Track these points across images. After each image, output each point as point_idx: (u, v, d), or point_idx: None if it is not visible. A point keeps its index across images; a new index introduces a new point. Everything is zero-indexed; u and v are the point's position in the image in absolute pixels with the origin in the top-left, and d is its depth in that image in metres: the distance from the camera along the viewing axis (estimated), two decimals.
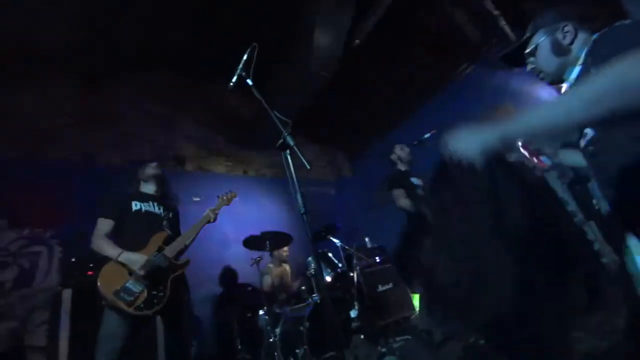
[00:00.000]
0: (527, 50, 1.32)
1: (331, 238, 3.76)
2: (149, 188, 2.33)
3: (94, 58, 3.88)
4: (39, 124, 3.66)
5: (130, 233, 2.08)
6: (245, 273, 3.80)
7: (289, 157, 1.29)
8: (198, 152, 4.71)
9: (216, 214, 2.36)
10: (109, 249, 1.93)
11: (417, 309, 2.75)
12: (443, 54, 4.70)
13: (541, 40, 1.26)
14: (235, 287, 3.87)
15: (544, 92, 4.00)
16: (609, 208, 1.12)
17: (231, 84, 1.64)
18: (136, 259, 1.89)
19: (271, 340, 2.67)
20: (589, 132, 1.11)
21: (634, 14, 3.09)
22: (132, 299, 1.79)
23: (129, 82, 4.34)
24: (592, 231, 1.73)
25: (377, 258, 3.90)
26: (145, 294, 1.85)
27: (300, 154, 1.25)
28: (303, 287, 3.12)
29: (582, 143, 1.16)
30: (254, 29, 4.04)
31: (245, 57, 1.55)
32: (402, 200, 2.91)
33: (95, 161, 3.90)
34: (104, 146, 4.01)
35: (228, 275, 3.96)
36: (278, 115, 1.35)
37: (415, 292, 3.62)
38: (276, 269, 3.74)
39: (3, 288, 2.93)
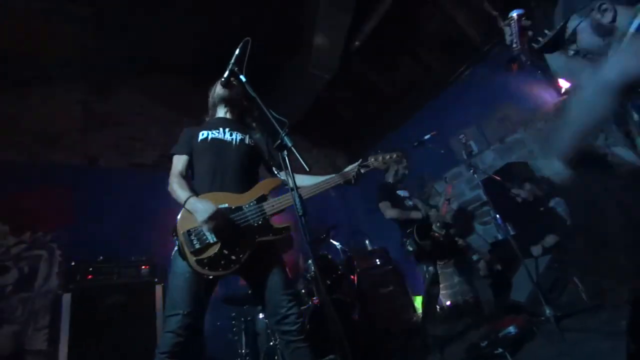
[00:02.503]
0: (566, 37, 1.28)
1: (331, 240, 3.75)
2: (221, 111, 1.94)
3: (102, 64, 3.91)
4: (44, 128, 3.69)
5: (199, 169, 1.72)
6: None
7: (286, 158, 1.28)
8: None
9: (359, 174, 1.83)
10: (179, 192, 1.56)
11: (419, 311, 2.73)
12: (443, 55, 4.71)
13: (578, 25, 1.23)
14: (235, 289, 3.85)
15: (544, 92, 4.00)
16: None
17: (223, 79, 1.63)
18: (202, 208, 1.45)
19: (271, 343, 2.65)
20: None
21: None
22: (200, 246, 1.44)
23: (136, 87, 4.38)
24: None
25: (377, 260, 3.88)
26: (217, 249, 1.46)
27: (298, 155, 1.24)
28: (303, 290, 3.10)
29: None
30: (256, 31, 4.04)
31: (237, 51, 1.50)
32: (389, 211, 2.97)
33: (98, 165, 3.91)
34: (108, 150, 4.02)
35: (228, 277, 3.94)
36: (274, 114, 1.34)
37: (416, 295, 3.61)
38: None
39: (3, 292, 2.92)
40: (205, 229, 1.45)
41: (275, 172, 1.84)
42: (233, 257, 1.48)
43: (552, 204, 3.16)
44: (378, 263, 3.85)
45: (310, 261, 3.15)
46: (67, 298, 2.60)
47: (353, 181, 1.80)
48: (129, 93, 4.35)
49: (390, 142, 5.88)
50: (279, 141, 1.28)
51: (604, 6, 1.12)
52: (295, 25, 3.85)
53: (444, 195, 3.00)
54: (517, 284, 2.97)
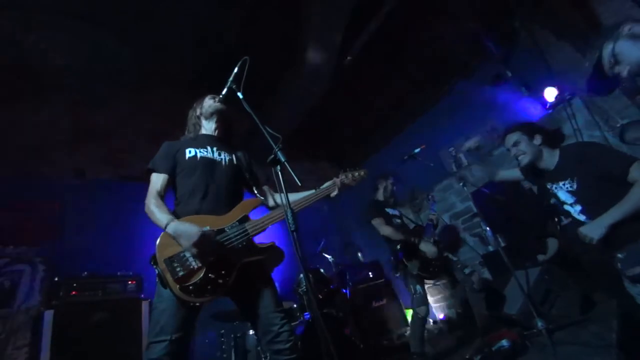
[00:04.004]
0: (609, 65, 1.48)
1: (324, 254, 3.72)
2: (208, 127, 1.86)
3: (91, 77, 3.89)
4: (31, 140, 3.62)
5: (185, 189, 1.62)
6: None
7: (279, 173, 1.28)
8: None
9: (344, 187, 1.89)
10: (159, 214, 1.46)
11: (409, 327, 2.70)
12: (433, 71, 4.83)
13: (612, 47, 1.42)
14: (224, 305, 3.77)
15: (528, 107, 4.12)
16: None
17: (221, 96, 1.67)
18: (187, 232, 1.37)
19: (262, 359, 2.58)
20: None
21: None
22: (184, 273, 1.36)
23: (126, 99, 4.35)
24: None
25: (370, 274, 3.86)
26: (202, 274, 1.38)
27: (291, 170, 1.24)
28: (295, 305, 3.05)
29: None
30: (250, 47, 4.10)
31: (235, 70, 1.55)
32: (384, 228, 2.96)
33: (86, 177, 3.84)
34: (97, 162, 3.96)
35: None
36: (269, 130, 1.35)
37: (408, 308, 3.58)
38: None
39: None
40: (189, 254, 1.39)
41: (256, 192, 1.84)
42: (220, 281, 1.41)
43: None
44: (371, 276, 3.83)
45: (301, 275, 3.12)
46: (49, 315, 2.51)
47: (332, 195, 1.85)
48: (118, 104, 4.32)
49: (382, 155, 5.95)
50: (273, 156, 1.29)
51: (630, 25, 1.35)
52: (289, 40, 3.91)
53: (429, 218, 3.07)
54: (509, 296, 2.98)
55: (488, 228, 2.87)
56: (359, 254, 5.05)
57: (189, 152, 1.69)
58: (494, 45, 4.12)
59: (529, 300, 2.46)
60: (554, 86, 3.72)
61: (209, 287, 1.39)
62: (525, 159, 1.90)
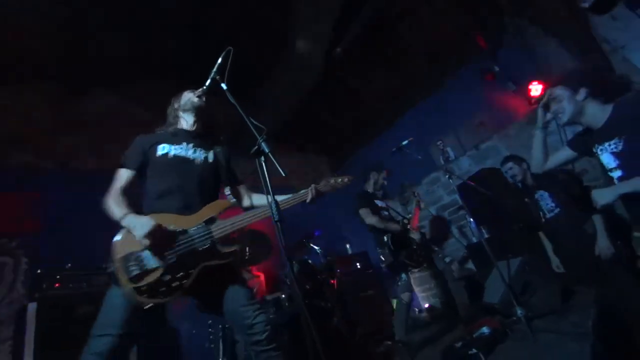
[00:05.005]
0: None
1: (312, 245, 3.75)
2: (187, 122, 1.77)
3: (76, 65, 3.77)
4: (12, 128, 3.51)
5: (155, 187, 1.55)
6: None
7: (263, 164, 1.28)
8: None
9: (319, 194, 1.78)
10: (115, 209, 1.42)
11: (394, 316, 2.76)
12: (423, 64, 4.84)
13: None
14: None
15: (516, 102, 4.18)
16: None
17: (204, 87, 1.64)
18: (140, 224, 1.33)
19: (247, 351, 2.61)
20: None
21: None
22: (139, 272, 1.30)
23: (110, 89, 4.24)
24: None
25: (357, 264, 3.91)
26: (157, 275, 1.33)
27: (275, 161, 1.24)
28: (283, 296, 3.08)
29: None
30: (239, 38, 4.04)
31: (219, 60, 1.52)
32: (369, 218, 2.99)
33: (68, 167, 3.75)
34: (80, 152, 3.87)
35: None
36: (253, 121, 1.34)
37: (395, 298, 3.65)
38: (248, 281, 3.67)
39: None
40: (145, 253, 1.34)
41: (228, 193, 1.80)
42: (174, 284, 1.35)
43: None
44: (358, 267, 3.88)
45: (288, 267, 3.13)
46: (32, 308, 2.46)
47: (308, 201, 1.75)
48: (103, 93, 4.21)
49: (371, 148, 5.97)
50: (256, 147, 1.28)
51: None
52: (278, 32, 3.86)
53: (413, 213, 3.10)
54: (491, 286, 3.07)
55: (472, 220, 2.94)
56: (347, 245, 5.10)
57: (162, 149, 1.61)
58: (482, 40, 4.16)
59: (510, 289, 2.55)
60: (539, 81, 3.78)
61: (162, 289, 1.33)
62: (563, 117, 1.63)
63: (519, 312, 2.36)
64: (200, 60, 3.97)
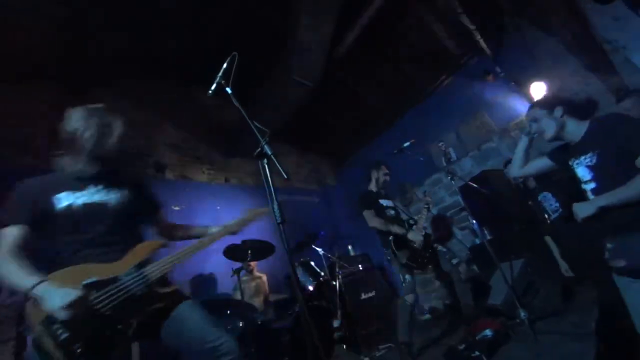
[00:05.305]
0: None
1: (314, 246, 3.75)
2: (90, 157, 1.45)
3: (74, 65, 3.78)
4: (11, 130, 3.52)
5: (62, 241, 1.33)
6: (226, 284, 3.74)
7: (266, 166, 1.28)
8: (179, 159, 4.64)
9: (240, 228, 1.76)
10: (20, 275, 1.18)
11: (398, 318, 2.75)
12: (423, 65, 4.85)
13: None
14: (215, 298, 3.78)
15: (517, 102, 4.18)
16: None
17: (210, 91, 1.64)
18: (56, 295, 1.12)
19: (252, 351, 2.61)
20: None
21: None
22: (68, 335, 1.12)
23: (110, 89, 4.24)
24: None
25: (359, 266, 3.91)
26: (89, 332, 1.16)
27: (277, 163, 1.24)
28: (285, 297, 3.08)
29: None
30: (239, 38, 4.06)
31: (225, 65, 1.54)
32: (372, 220, 2.96)
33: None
34: None
35: (208, 286, 3.87)
36: (256, 124, 1.35)
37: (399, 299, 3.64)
38: (251, 282, 3.67)
39: None
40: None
41: (157, 231, 1.66)
42: (117, 337, 1.21)
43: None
44: (361, 268, 3.87)
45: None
46: None
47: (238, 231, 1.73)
48: (105, 94, 4.22)
49: (372, 149, 5.98)
50: (259, 149, 1.29)
51: None
52: (279, 33, 3.87)
53: (421, 216, 3.04)
54: (494, 287, 3.06)
55: (474, 221, 2.93)
56: (349, 247, 5.10)
57: (60, 202, 1.35)
58: (483, 40, 4.16)
59: (513, 291, 2.54)
60: (541, 82, 3.78)
61: (102, 345, 1.16)
62: (547, 135, 1.72)
63: (522, 314, 2.36)
64: (200, 60, 4.03)
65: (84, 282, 1.20)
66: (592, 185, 1.59)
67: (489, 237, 3.59)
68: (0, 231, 1.28)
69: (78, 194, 1.39)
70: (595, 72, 3.55)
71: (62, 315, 1.10)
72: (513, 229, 3.43)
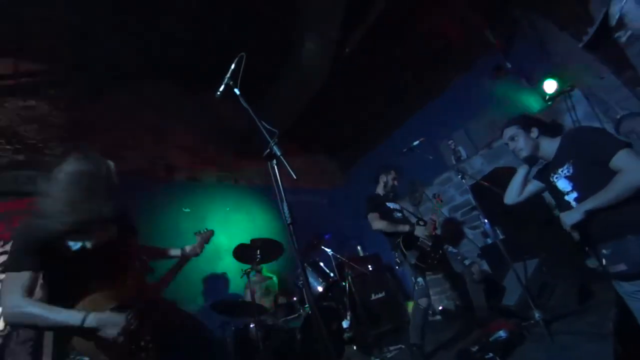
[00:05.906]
0: (614, 24, 1.44)
1: (323, 247, 3.74)
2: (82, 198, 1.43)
3: (89, 67, 3.86)
4: (25, 134, 3.61)
5: (77, 290, 1.36)
6: (237, 284, 3.76)
7: (275, 166, 1.28)
8: (189, 161, 4.68)
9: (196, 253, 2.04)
10: (60, 314, 1.24)
11: (410, 318, 2.71)
12: (433, 63, 4.79)
13: (623, 7, 1.40)
14: (227, 298, 3.81)
15: (528, 98, 4.10)
16: None
17: (218, 92, 1.65)
18: (110, 322, 1.28)
19: (262, 352, 2.62)
20: None
21: None
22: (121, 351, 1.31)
23: (120, 92, 4.31)
24: None
25: (369, 266, 3.88)
26: (127, 349, 1.34)
27: (286, 164, 1.25)
28: (295, 298, 3.08)
29: None
30: (247, 41, 4.07)
31: (233, 66, 1.55)
32: (376, 223, 2.95)
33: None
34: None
35: (220, 286, 3.90)
36: (265, 125, 1.35)
37: (408, 300, 3.61)
38: (261, 283, 3.68)
39: None
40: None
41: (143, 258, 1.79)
42: (142, 352, 1.38)
43: None
44: (370, 269, 3.85)
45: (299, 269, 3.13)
46: None
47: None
48: (116, 98, 4.29)
49: (381, 148, 5.94)
50: (268, 150, 1.29)
51: None
52: (286, 33, 3.88)
53: (431, 218, 2.97)
54: (507, 288, 3.00)
55: (486, 220, 2.88)
56: (358, 247, 5.08)
57: (76, 244, 1.38)
58: (493, 36, 4.09)
59: (527, 291, 2.49)
60: (554, 78, 3.69)
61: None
62: (523, 153, 1.87)
63: (536, 315, 2.31)
64: (208, 62, 4.06)
65: (111, 307, 1.34)
66: (574, 195, 1.67)
67: (501, 237, 3.53)
68: (7, 275, 1.33)
69: (85, 235, 1.44)
70: (608, 65, 3.45)
71: (121, 338, 1.27)
72: (528, 228, 3.36)
